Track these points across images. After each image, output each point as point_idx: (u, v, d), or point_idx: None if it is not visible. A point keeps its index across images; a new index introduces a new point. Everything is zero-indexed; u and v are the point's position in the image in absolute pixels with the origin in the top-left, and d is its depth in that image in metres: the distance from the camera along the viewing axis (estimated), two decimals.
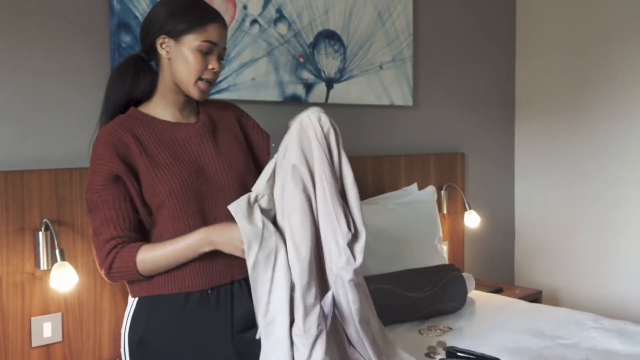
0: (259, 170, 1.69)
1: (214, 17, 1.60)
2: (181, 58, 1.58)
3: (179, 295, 1.59)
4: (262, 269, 1.49)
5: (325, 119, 1.55)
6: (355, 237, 1.51)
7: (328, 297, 1.50)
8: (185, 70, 1.58)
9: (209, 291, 1.61)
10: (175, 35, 1.58)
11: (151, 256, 1.54)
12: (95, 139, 1.60)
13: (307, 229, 1.47)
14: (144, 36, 1.64)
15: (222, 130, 1.71)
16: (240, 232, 1.47)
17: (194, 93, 1.60)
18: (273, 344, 1.50)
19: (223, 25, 1.62)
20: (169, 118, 1.65)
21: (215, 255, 1.58)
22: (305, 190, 1.49)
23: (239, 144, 1.72)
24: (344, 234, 1.48)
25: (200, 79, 1.59)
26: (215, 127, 1.70)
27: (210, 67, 1.59)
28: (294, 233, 1.48)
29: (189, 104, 1.68)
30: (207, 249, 1.54)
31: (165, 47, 1.60)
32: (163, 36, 1.60)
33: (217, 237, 1.52)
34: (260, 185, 1.56)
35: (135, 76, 1.66)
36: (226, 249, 1.53)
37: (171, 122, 1.64)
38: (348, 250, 1.48)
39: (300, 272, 1.46)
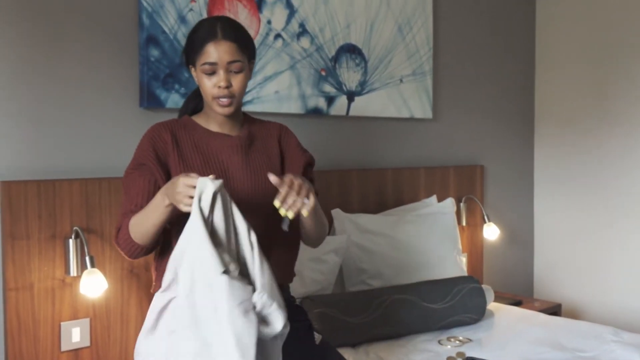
0: None
1: (208, 37, 1.63)
2: (198, 82, 1.69)
3: None
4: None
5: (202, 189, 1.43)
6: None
7: None
8: (203, 93, 1.68)
9: None
10: (192, 63, 1.69)
11: (134, 217, 1.58)
12: (147, 130, 1.72)
13: None
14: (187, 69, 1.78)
15: (257, 146, 1.75)
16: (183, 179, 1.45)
17: (217, 110, 1.67)
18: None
19: (224, 39, 1.63)
20: (211, 128, 1.73)
21: None
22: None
23: (269, 162, 1.75)
24: None
25: (214, 97, 1.65)
26: (252, 143, 1.75)
27: (217, 85, 1.64)
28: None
29: (230, 119, 1.73)
30: (165, 201, 1.51)
31: (193, 74, 1.71)
32: (189, 65, 1.71)
33: (166, 186, 1.51)
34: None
35: (189, 101, 1.82)
36: (168, 193, 1.49)
37: (211, 131, 1.72)
38: None
39: None
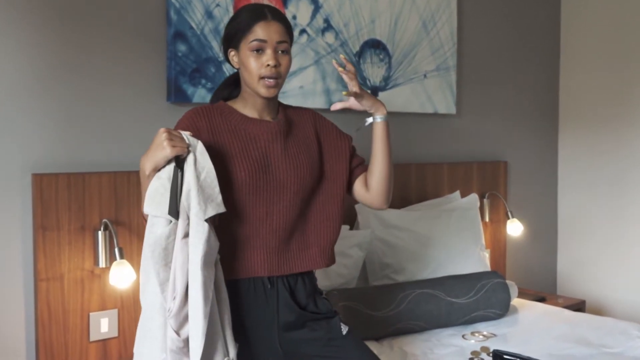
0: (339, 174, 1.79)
1: (259, 16, 1.65)
2: (243, 63, 1.67)
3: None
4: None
5: None
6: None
7: None
8: (248, 73, 1.66)
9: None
10: (235, 45, 1.68)
11: None
12: (182, 116, 1.69)
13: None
14: (224, 54, 1.77)
15: (295, 132, 1.75)
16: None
17: (261, 91, 1.66)
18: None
19: (274, 19, 1.66)
20: (248, 114, 1.71)
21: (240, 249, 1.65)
22: None
23: (307, 149, 1.75)
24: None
25: (261, 77, 1.65)
26: (289, 129, 1.74)
27: (265, 63, 1.64)
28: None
29: (267, 106, 1.72)
30: (145, 173, 1.58)
31: (233, 58, 1.71)
32: (229, 49, 1.71)
33: (144, 156, 1.56)
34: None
35: (223, 88, 1.80)
36: (149, 155, 1.56)
37: (248, 116, 1.70)
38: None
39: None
